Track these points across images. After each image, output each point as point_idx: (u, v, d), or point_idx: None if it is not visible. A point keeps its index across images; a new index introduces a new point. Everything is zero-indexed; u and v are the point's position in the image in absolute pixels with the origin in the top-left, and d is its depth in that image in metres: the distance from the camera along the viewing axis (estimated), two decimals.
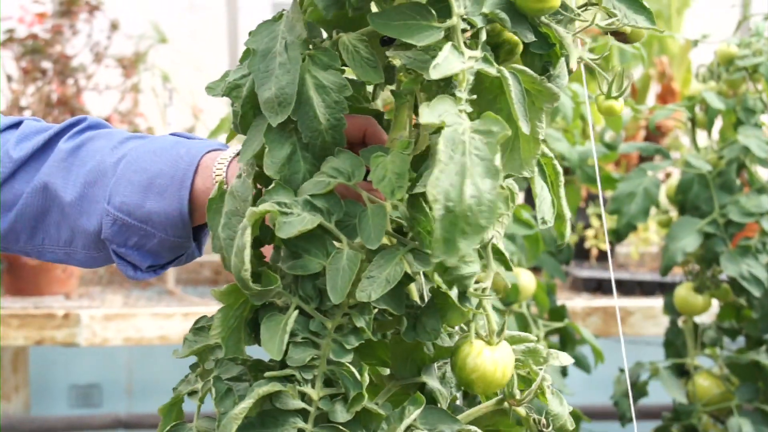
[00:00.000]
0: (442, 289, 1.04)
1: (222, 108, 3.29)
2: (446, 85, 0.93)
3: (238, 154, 1.19)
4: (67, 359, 3.53)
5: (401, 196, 0.94)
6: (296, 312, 0.98)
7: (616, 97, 1.09)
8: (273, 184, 1.00)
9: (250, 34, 1.07)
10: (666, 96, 3.04)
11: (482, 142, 0.86)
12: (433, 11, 0.95)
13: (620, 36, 1.09)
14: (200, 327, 1.08)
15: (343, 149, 1.02)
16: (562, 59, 1.03)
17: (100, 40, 3.12)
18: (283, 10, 1.06)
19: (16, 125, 1.32)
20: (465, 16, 0.95)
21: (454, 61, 0.91)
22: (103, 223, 1.24)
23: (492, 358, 1.05)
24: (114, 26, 3.13)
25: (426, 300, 1.06)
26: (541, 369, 1.09)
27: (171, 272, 3.13)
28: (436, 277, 1.06)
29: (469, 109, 0.90)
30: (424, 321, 1.04)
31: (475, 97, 0.91)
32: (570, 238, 2.81)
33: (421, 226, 0.98)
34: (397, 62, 1.02)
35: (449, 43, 0.92)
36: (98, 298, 2.98)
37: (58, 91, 2.96)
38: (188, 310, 2.84)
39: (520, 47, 1.01)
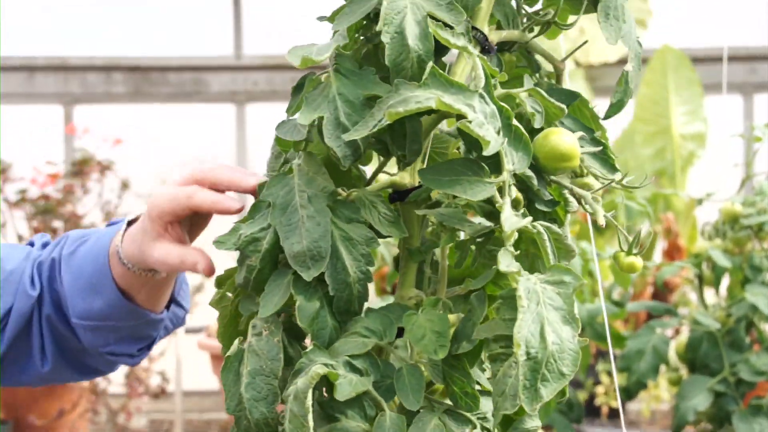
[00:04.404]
0: None
1: None
2: (485, 242, 0.93)
3: (130, 223, 1.24)
4: None
5: (444, 355, 0.93)
6: None
7: (637, 254, 1.10)
8: (311, 346, 0.98)
9: (260, 187, 1.07)
10: (672, 252, 3.06)
11: (554, 292, 0.87)
12: (485, 166, 0.96)
13: None
14: None
15: (372, 308, 1.02)
16: (569, 216, 1.04)
17: (110, 199, 3.16)
18: (289, 161, 1.06)
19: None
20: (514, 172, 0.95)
21: (513, 217, 0.93)
22: (78, 335, 1.30)
23: None
24: (125, 185, 3.17)
25: None
26: None
27: None
28: None
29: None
30: None
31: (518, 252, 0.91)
32: (581, 395, 2.78)
33: (457, 386, 0.97)
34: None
35: (508, 199, 0.93)
36: None
37: None
38: None
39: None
